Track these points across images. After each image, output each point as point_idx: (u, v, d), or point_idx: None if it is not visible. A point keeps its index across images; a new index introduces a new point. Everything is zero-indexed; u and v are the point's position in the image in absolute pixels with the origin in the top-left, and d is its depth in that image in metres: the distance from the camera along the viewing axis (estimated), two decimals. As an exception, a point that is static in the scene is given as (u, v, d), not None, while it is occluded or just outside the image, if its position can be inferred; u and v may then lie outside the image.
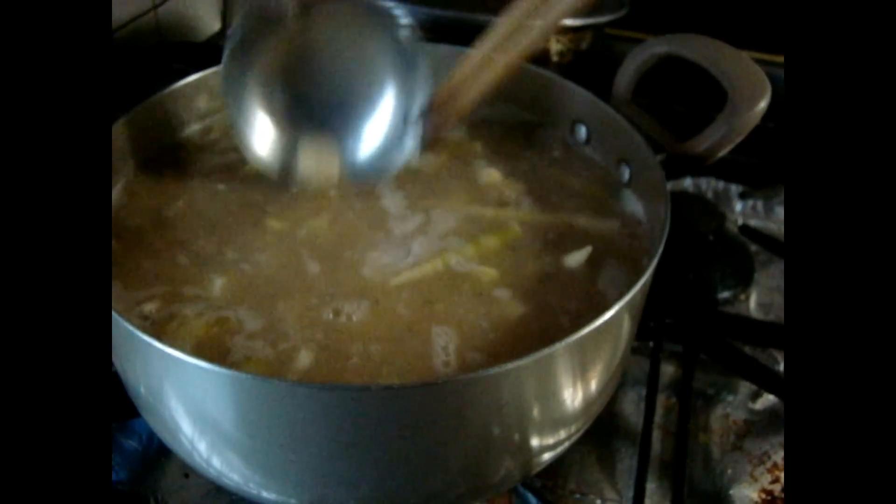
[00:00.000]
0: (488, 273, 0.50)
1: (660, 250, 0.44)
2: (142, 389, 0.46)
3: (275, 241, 0.52)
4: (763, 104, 0.52)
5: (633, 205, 0.56)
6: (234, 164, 0.60)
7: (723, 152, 0.54)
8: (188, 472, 0.58)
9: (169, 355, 0.37)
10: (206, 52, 0.95)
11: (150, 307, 0.47)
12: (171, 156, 0.61)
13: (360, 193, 0.56)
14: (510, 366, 0.36)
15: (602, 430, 0.62)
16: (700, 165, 0.54)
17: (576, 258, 0.51)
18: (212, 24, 1.07)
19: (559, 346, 0.38)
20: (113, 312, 0.39)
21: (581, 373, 0.43)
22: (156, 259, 0.51)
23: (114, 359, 0.47)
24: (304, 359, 0.43)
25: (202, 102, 0.63)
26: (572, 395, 0.44)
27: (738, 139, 0.53)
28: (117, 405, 0.54)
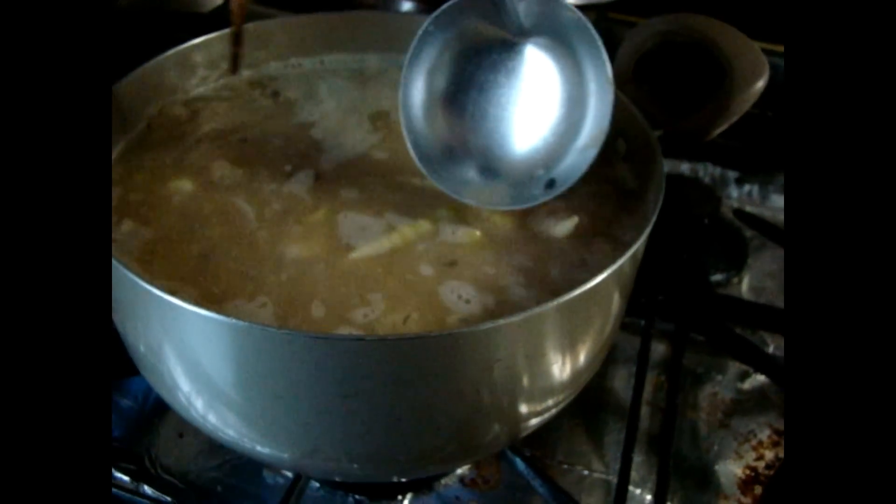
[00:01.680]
0: (472, 235, 0.50)
1: (652, 220, 0.45)
2: (141, 348, 0.47)
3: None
4: (761, 83, 0.53)
5: (629, 179, 0.56)
6: (228, 130, 0.61)
7: (718, 130, 0.55)
8: (182, 431, 0.59)
9: (168, 302, 0.37)
10: (211, 24, 0.96)
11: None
12: (170, 119, 0.61)
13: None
14: (502, 322, 0.37)
15: (592, 404, 0.63)
16: (697, 142, 0.55)
17: (563, 228, 0.51)
18: (216, -3, 1.07)
19: (549, 307, 0.38)
20: (117, 262, 0.39)
21: (570, 339, 0.44)
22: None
23: (115, 318, 0.48)
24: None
25: (204, 67, 0.63)
26: (561, 361, 0.45)
27: (735, 117, 0.54)
28: (115, 364, 0.55)
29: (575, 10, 0.49)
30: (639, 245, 0.44)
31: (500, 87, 0.52)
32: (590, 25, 0.48)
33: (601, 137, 0.49)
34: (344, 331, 0.42)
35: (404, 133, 0.52)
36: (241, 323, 0.36)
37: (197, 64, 0.63)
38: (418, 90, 0.52)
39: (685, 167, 0.87)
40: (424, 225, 0.51)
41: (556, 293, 0.39)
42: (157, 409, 0.60)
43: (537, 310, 0.38)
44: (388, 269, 0.48)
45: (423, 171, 0.52)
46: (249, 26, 0.63)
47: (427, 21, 0.51)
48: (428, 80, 0.52)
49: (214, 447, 0.58)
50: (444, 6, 0.50)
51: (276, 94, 0.64)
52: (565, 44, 0.50)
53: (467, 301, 0.45)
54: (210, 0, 1.06)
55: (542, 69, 0.52)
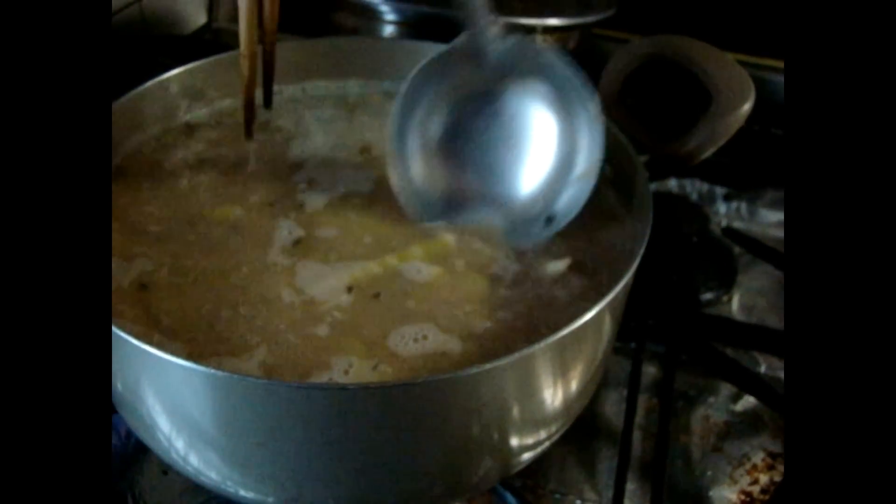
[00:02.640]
0: (436, 272, 0.50)
1: (641, 250, 0.44)
2: (119, 386, 0.45)
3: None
4: (747, 106, 0.53)
5: (617, 205, 0.56)
6: (212, 158, 0.60)
7: (706, 154, 0.54)
8: (166, 469, 0.58)
9: (146, 352, 0.37)
10: (191, 46, 0.95)
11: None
12: (152, 148, 0.60)
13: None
14: (489, 366, 0.36)
15: (583, 430, 0.62)
16: (683, 167, 0.55)
17: (556, 267, 0.51)
18: (198, 18, 1.06)
19: (539, 346, 0.37)
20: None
21: (561, 373, 0.43)
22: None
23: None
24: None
25: (186, 95, 0.62)
26: (552, 395, 0.44)
27: (722, 141, 0.54)
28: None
29: (553, 52, 0.50)
30: (629, 275, 0.44)
31: (491, 130, 0.52)
32: (569, 67, 0.49)
33: (595, 169, 0.50)
34: (324, 377, 0.41)
35: (396, 189, 0.52)
36: (222, 374, 0.35)
37: (179, 94, 0.62)
38: (411, 141, 0.52)
39: (673, 184, 0.87)
40: (391, 261, 0.50)
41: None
42: (141, 446, 0.58)
43: (526, 351, 0.37)
44: (353, 312, 0.47)
45: (424, 220, 0.52)
46: (233, 53, 0.62)
47: (411, 75, 0.51)
48: (418, 132, 0.52)
49: (199, 485, 0.56)
50: (427, 59, 0.51)
51: (265, 123, 0.64)
52: (550, 82, 0.50)
53: (424, 337, 0.45)
54: (191, 22, 1.05)
55: (530, 108, 0.52)
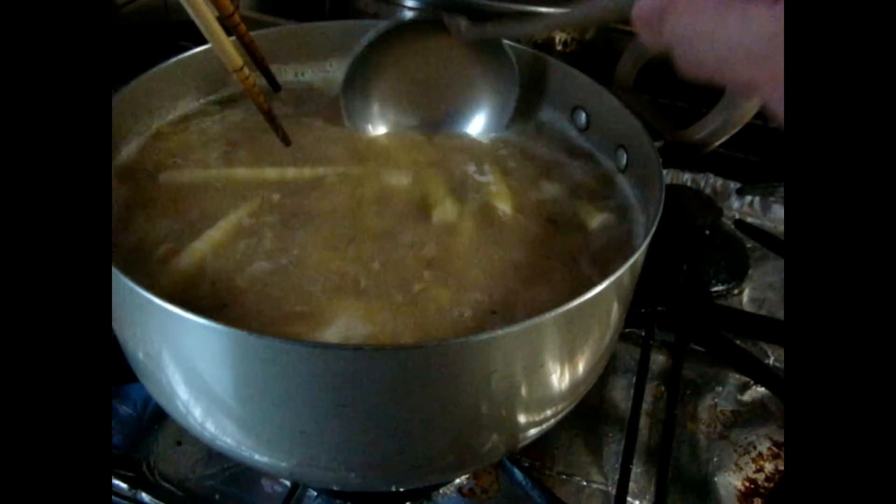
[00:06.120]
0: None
1: (651, 231, 0.45)
2: (140, 355, 0.47)
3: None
4: (760, 96, 0.53)
5: (629, 190, 0.56)
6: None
7: (719, 142, 0.55)
8: (181, 439, 0.59)
9: (166, 310, 0.37)
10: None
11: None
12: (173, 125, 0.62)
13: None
14: (500, 332, 0.37)
15: (591, 414, 0.63)
16: (696, 154, 0.55)
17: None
18: (221, 6, 1.07)
19: (547, 317, 0.38)
20: (116, 270, 0.39)
21: (568, 350, 0.44)
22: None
23: (114, 325, 0.48)
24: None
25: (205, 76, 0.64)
26: (559, 372, 0.45)
27: (735, 129, 0.54)
28: (114, 371, 0.55)
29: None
30: (637, 256, 0.44)
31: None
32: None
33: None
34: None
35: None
36: (238, 332, 0.36)
37: (197, 75, 0.63)
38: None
39: (687, 177, 0.87)
40: None
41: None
42: (156, 417, 0.60)
43: (535, 320, 0.38)
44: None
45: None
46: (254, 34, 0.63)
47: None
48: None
49: (213, 455, 0.58)
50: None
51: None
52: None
53: None
54: (213, 9, 1.06)
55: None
